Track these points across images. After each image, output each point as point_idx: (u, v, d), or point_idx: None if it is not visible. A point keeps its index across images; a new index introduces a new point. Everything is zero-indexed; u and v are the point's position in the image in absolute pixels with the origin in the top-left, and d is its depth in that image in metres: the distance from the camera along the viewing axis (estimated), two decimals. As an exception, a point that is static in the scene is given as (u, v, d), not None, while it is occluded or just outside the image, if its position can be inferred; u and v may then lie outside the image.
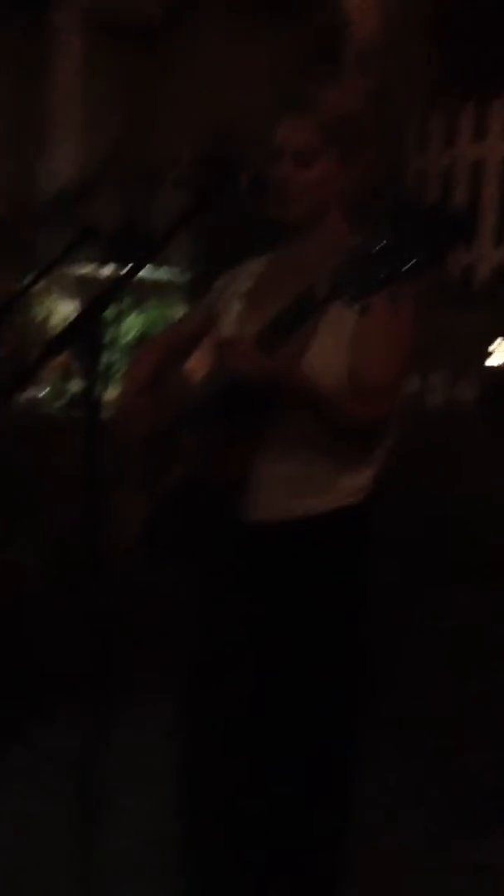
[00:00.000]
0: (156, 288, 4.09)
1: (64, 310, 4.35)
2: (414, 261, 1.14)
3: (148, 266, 2.92)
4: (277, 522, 1.59)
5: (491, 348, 4.22)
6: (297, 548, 1.61)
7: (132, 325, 3.91)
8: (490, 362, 4.13)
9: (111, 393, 2.84)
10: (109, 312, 2.94)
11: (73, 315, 1.42)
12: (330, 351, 1.52)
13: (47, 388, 3.71)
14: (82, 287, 3.87)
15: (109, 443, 1.71)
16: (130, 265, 1.46)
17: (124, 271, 1.46)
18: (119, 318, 3.93)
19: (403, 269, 1.15)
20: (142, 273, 3.00)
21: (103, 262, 3.37)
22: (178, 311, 4.01)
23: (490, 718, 2.69)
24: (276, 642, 1.60)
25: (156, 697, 2.31)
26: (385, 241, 1.16)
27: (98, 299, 1.37)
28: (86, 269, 3.75)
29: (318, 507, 1.59)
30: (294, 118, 1.56)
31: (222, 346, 1.55)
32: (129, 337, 3.89)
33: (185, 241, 4.18)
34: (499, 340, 4.35)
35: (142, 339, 3.83)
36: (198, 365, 1.58)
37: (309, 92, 1.58)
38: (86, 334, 1.31)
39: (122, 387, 1.76)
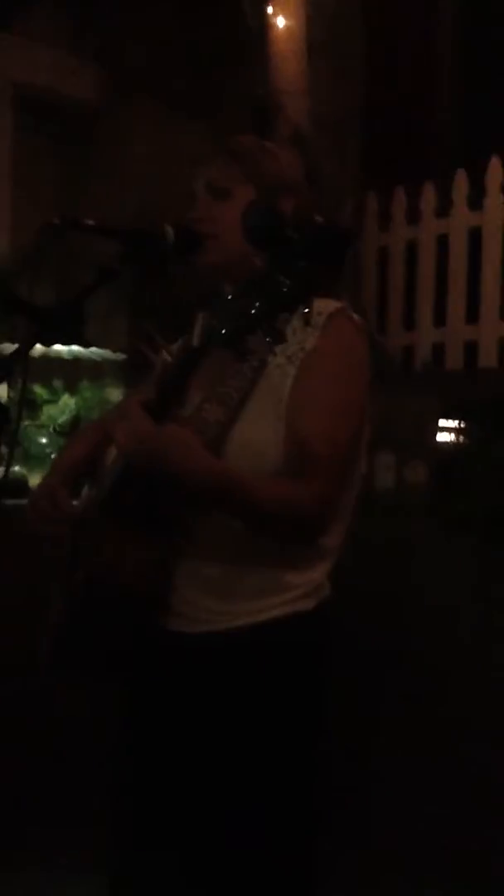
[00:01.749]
0: (90, 368, 3.94)
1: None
2: (287, 288, 0.98)
3: (79, 347, 2.70)
4: (204, 633, 1.37)
5: (437, 428, 4.15)
6: (232, 665, 1.37)
7: (66, 407, 3.73)
8: (437, 442, 4.05)
9: (37, 477, 2.56)
10: (42, 393, 2.70)
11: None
12: (263, 421, 1.33)
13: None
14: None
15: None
16: (25, 336, 1.29)
17: (28, 340, 1.29)
18: (51, 399, 3.76)
19: (279, 299, 0.99)
20: (75, 352, 2.78)
21: (40, 342, 3.20)
22: (113, 392, 3.84)
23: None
24: (207, 779, 1.35)
25: (75, 829, 2.06)
26: (257, 273, 1.01)
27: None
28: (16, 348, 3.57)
29: (254, 615, 1.36)
30: (211, 159, 1.44)
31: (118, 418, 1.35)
32: (63, 419, 3.70)
33: (120, 320, 4.06)
34: (443, 420, 4.29)
35: (76, 423, 3.64)
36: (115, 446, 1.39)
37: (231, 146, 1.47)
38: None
39: (46, 475, 1.56)
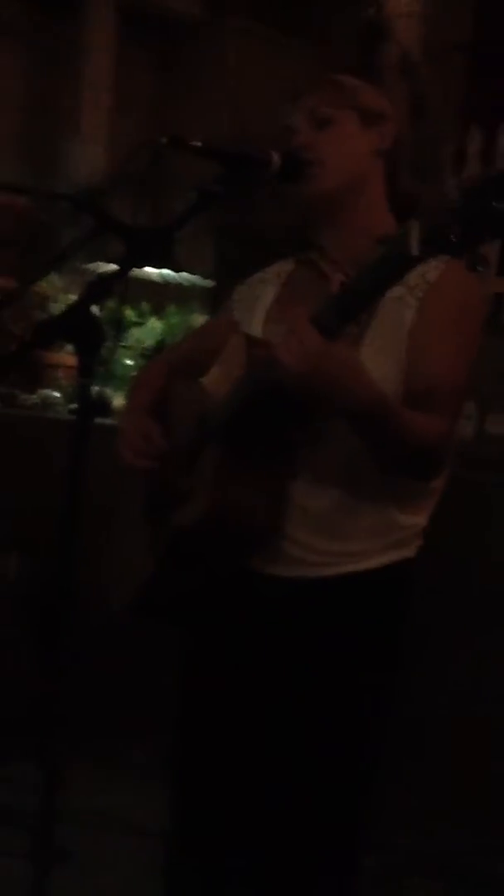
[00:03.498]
0: (178, 293, 3.92)
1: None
2: None
3: (169, 270, 2.67)
4: (313, 577, 1.34)
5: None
6: (334, 611, 1.35)
7: (152, 331, 3.74)
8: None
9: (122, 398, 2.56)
10: (130, 315, 2.69)
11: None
12: (385, 352, 1.30)
13: (59, 391, 3.54)
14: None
15: (115, 455, 1.50)
16: (125, 257, 1.27)
17: (126, 262, 1.27)
18: (139, 322, 3.76)
19: None
20: (164, 276, 2.75)
21: (130, 262, 3.20)
22: (200, 318, 3.82)
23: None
24: (293, 726, 1.34)
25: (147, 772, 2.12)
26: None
27: (91, 289, 1.19)
28: (111, 268, 3.58)
29: (361, 560, 1.33)
30: (309, 92, 1.40)
31: (252, 345, 1.30)
32: (149, 342, 3.71)
33: (210, 245, 4.02)
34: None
35: (161, 346, 3.65)
36: (218, 378, 1.35)
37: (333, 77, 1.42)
38: (80, 327, 1.13)
39: (127, 405, 1.54)
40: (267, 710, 1.33)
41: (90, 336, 1.12)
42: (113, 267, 1.32)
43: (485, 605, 2.52)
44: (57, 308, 3.58)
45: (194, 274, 3.72)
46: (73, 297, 3.62)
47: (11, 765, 2.47)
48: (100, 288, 1.19)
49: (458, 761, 2.50)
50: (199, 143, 1.33)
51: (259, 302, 1.43)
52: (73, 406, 1.26)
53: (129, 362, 3.50)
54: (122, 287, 1.32)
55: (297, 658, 1.33)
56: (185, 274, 3.65)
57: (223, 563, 1.32)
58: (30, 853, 1.17)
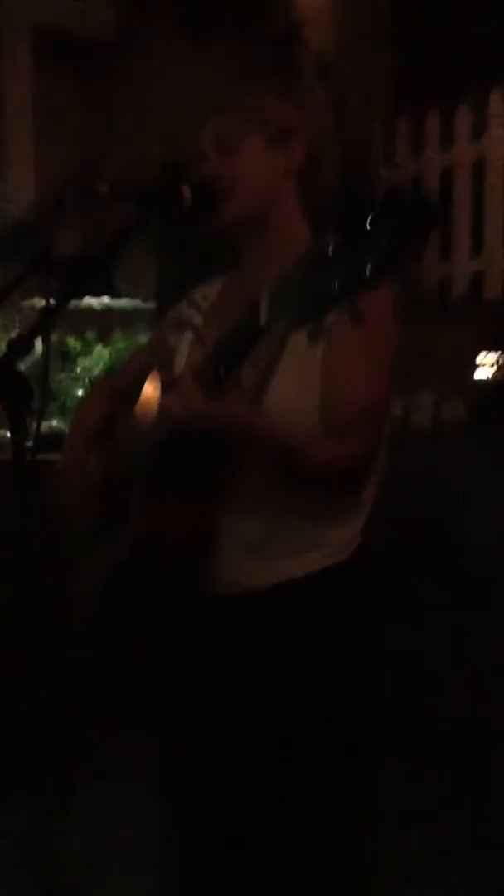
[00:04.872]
0: (122, 318, 3.92)
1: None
2: (372, 264, 0.91)
3: (110, 297, 2.66)
4: (249, 591, 1.37)
5: (476, 363, 4.06)
6: (275, 621, 1.37)
7: (100, 358, 3.73)
8: (475, 378, 3.96)
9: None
10: (76, 345, 2.67)
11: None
12: (296, 384, 1.30)
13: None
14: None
15: (55, 492, 1.50)
16: (58, 292, 1.28)
17: (50, 300, 1.27)
18: (85, 351, 3.75)
19: (359, 279, 0.93)
20: (107, 303, 2.74)
21: (66, 294, 3.16)
22: (145, 342, 3.82)
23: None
24: (254, 734, 1.36)
25: (125, 786, 2.10)
26: (332, 245, 0.94)
27: (11, 347, 1.19)
28: (49, 302, 3.55)
29: (292, 571, 1.37)
30: (219, 115, 1.40)
31: (162, 388, 1.32)
32: (97, 370, 3.70)
33: (150, 268, 4.01)
34: (482, 354, 4.18)
35: (110, 372, 3.64)
36: (146, 407, 1.37)
37: (240, 95, 1.42)
38: (3, 386, 1.12)
39: (67, 437, 1.55)
40: (232, 723, 1.35)
41: (15, 394, 1.12)
42: (50, 301, 1.31)
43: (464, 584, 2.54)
44: (3, 345, 3.55)
45: (135, 298, 3.71)
46: (12, 335, 3.61)
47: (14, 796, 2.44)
48: (20, 345, 1.18)
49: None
50: (105, 189, 1.32)
51: (191, 324, 1.44)
52: (28, 444, 1.26)
53: (79, 392, 3.48)
54: (50, 320, 1.31)
55: (248, 669, 1.35)
56: (125, 299, 3.64)
57: (158, 587, 1.34)
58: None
